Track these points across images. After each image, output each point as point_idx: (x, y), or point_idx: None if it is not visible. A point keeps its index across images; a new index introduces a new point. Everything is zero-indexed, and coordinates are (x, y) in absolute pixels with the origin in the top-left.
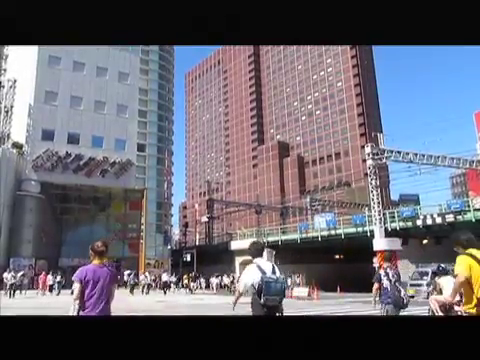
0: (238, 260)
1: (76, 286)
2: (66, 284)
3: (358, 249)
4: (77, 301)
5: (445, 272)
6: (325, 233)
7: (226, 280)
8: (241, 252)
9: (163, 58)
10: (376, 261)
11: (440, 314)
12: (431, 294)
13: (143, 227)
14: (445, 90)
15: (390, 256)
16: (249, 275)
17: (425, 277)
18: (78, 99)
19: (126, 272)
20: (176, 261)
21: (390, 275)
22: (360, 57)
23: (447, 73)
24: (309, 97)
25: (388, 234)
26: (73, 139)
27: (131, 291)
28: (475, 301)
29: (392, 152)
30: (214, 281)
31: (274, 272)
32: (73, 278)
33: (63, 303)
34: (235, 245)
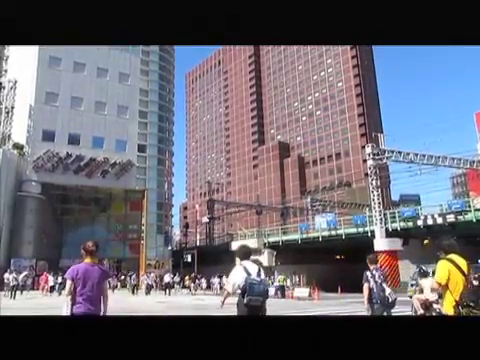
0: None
1: (68, 283)
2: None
3: (359, 249)
4: (69, 297)
5: (425, 274)
6: (326, 233)
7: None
8: None
9: (163, 59)
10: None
11: (421, 311)
12: (414, 293)
13: (144, 228)
14: (445, 90)
15: (375, 258)
16: (237, 275)
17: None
18: (79, 100)
19: (132, 275)
20: (177, 262)
21: (376, 276)
22: (360, 57)
23: (447, 73)
24: (309, 97)
25: (389, 234)
26: (74, 140)
27: (133, 292)
28: (453, 303)
29: (393, 152)
30: (215, 281)
31: (259, 275)
32: (65, 276)
33: (63, 304)
34: (236, 246)
